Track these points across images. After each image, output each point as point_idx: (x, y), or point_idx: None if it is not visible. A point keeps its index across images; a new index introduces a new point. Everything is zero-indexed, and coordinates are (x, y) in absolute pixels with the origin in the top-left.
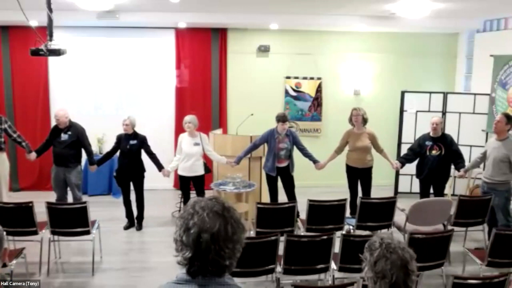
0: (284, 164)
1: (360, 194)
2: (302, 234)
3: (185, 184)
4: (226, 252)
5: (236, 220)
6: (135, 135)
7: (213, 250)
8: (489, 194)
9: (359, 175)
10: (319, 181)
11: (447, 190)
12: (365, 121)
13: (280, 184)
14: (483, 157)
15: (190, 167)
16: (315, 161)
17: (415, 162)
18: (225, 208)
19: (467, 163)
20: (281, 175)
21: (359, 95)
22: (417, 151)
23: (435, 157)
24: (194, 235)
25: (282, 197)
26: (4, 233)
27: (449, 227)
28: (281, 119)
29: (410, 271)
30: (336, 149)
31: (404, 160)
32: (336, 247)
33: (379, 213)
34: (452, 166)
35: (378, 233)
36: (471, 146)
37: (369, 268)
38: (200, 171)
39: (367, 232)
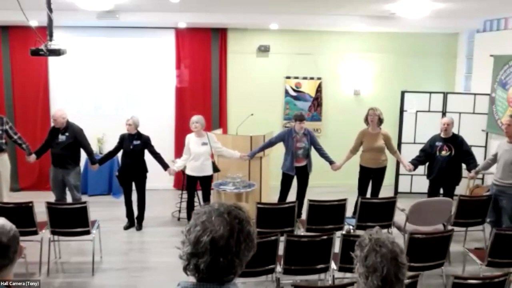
0: (302, 163)
1: (368, 194)
2: (302, 234)
3: (192, 184)
4: (221, 261)
5: (246, 234)
6: (138, 136)
7: (209, 254)
8: (495, 197)
9: (372, 175)
10: (322, 181)
11: None
12: (381, 121)
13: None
14: (494, 159)
15: (199, 167)
16: (331, 162)
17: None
18: (237, 218)
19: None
20: (299, 174)
21: (359, 95)
22: (428, 152)
23: (445, 158)
24: (197, 233)
25: (290, 197)
26: (17, 231)
27: (449, 227)
28: (299, 118)
29: (400, 264)
30: (351, 149)
31: (416, 162)
32: (336, 247)
33: (379, 213)
34: (464, 167)
35: (367, 230)
36: (471, 146)
37: (360, 264)
38: (209, 171)
39: None
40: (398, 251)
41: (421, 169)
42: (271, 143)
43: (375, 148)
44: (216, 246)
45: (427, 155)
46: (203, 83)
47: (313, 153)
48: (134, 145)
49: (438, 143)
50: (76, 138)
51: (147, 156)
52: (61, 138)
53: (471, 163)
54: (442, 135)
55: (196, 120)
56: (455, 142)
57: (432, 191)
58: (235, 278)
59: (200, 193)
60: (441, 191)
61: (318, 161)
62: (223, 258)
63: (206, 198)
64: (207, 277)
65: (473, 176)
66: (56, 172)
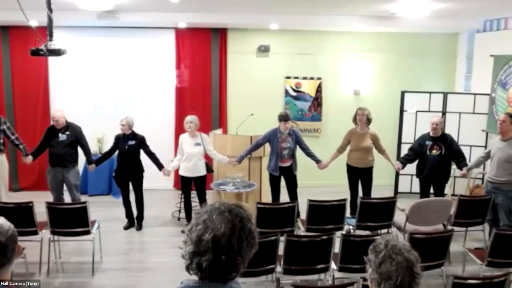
0: (287, 163)
1: (360, 194)
2: (302, 234)
3: (186, 184)
4: (223, 260)
5: (247, 232)
6: (133, 136)
7: (211, 252)
8: (491, 194)
9: (360, 175)
10: (320, 181)
11: (447, 190)
12: (369, 121)
13: (282, 184)
14: (487, 157)
15: (192, 167)
16: (317, 161)
17: (416, 162)
18: (239, 216)
19: (468, 162)
20: (284, 174)
21: (359, 95)
22: (417, 151)
23: (435, 157)
24: (199, 232)
25: (283, 197)
26: (15, 230)
27: (449, 227)
28: (283, 118)
29: (415, 274)
30: (338, 148)
31: (405, 160)
32: (336, 247)
33: (379, 213)
34: (454, 166)
35: (383, 235)
36: (471, 146)
37: (374, 270)
38: (202, 171)
39: (367, 232)
40: (414, 260)
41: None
42: (257, 145)
43: (363, 148)
44: (218, 244)
45: (416, 154)
46: (203, 83)
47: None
48: (129, 145)
49: (428, 142)
50: (77, 137)
51: (143, 156)
52: (62, 137)
53: (461, 161)
54: (432, 134)
55: (190, 120)
56: (445, 141)
57: (424, 191)
58: (237, 276)
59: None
60: (431, 190)
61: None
62: (225, 256)
63: (202, 199)
64: (210, 276)
65: (465, 173)
66: (55, 172)
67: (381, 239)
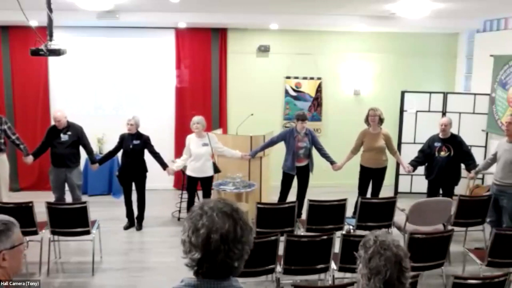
0: (303, 163)
1: (368, 194)
2: (302, 234)
3: (192, 184)
4: (235, 253)
5: (245, 221)
6: (138, 135)
7: (222, 250)
8: (496, 196)
9: (372, 175)
10: (324, 181)
11: None
12: (381, 121)
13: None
14: (494, 159)
15: (200, 167)
16: (332, 162)
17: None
18: (233, 209)
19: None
20: (299, 174)
21: (359, 95)
22: (426, 153)
23: (444, 159)
24: (204, 235)
25: (290, 197)
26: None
27: (449, 227)
28: (301, 118)
29: (404, 268)
30: (352, 150)
31: (416, 163)
32: (336, 247)
33: (379, 213)
34: (463, 167)
35: (372, 231)
36: (471, 146)
37: (363, 265)
38: (210, 172)
39: (367, 232)
40: (402, 255)
41: (421, 169)
42: (272, 142)
43: (376, 148)
44: (226, 240)
45: (426, 156)
46: (203, 83)
47: (315, 153)
48: (134, 145)
49: (437, 144)
50: (79, 137)
51: (147, 156)
52: (64, 137)
53: (471, 163)
54: (441, 136)
55: (197, 121)
56: (454, 142)
57: (432, 192)
58: (238, 272)
59: (200, 192)
60: (440, 191)
61: (318, 161)
62: (236, 249)
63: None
64: (220, 272)
65: (473, 176)
66: (58, 172)
67: (371, 234)
